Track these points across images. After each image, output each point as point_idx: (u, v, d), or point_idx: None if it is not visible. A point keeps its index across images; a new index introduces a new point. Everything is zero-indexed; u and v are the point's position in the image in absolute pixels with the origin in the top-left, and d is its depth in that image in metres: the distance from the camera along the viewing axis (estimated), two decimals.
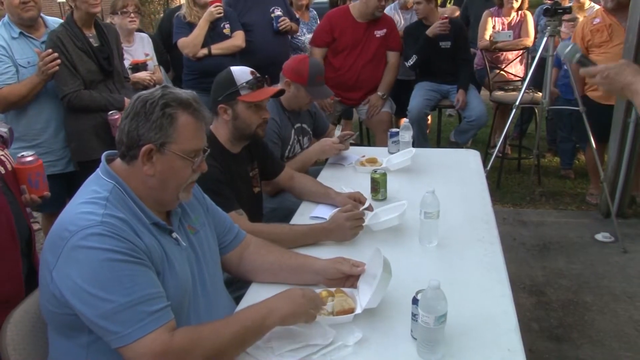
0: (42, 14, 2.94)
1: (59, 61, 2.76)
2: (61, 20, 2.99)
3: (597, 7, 4.63)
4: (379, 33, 4.20)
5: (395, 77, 4.40)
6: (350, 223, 1.97)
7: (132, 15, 3.66)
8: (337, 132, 3.01)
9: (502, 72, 4.93)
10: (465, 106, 4.39)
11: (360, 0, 4.17)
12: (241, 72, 2.16)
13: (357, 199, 2.26)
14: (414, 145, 3.01)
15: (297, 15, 4.52)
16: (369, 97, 4.28)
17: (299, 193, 2.48)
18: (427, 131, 5.03)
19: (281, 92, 2.39)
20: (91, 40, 2.91)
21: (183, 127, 1.40)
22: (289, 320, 1.41)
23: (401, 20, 4.85)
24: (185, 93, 1.44)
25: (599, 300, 3.04)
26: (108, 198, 1.35)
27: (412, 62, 4.42)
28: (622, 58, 3.68)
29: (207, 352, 1.29)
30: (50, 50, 2.75)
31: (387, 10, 4.90)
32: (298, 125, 2.94)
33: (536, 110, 4.64)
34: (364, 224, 2.08)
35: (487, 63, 4.86)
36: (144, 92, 1.43)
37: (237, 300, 1.68)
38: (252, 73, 2.17)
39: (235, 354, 1.36)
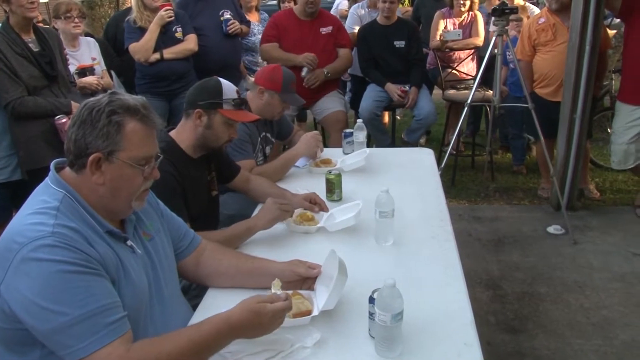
0: None
1: None
2: None
3: (536, 9, 4.79)
4: (324, 30, 4.25)
5: (345, 67, 4.44)
6: (278, 206, 2.02)
7: (76, 20, 3.57)
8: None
9: (454, 71, 5.02)
10: (415, 105, 4.48)
11: None
12: (229, 88, 2.19)
13: (313, 200, 2.27)
14: (372, 144, 3.03)
15: (247, 17, 4.51)
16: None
17: (254, 195, 2.47)
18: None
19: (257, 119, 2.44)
20: (31, 45, 2.82)
21: (131, 135, 1.36)
22: (253, 337, 1.39)
23: (367, 19, 4.90)
24: (133, 99, 1.40)
25: (552, 291, 3.13)
26: (59, 208, 1.30)
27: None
28: (565, 56, 3.81)
29: None
30: None
31: (354, 8, 4.96)
32: (263, 134, 2.96)
33: (487, 108, 4.74)
34: (320, 225, 2.11)
35: (439, 62, 4.94)
36: (91, 99, 1.39)
37: (195, 307, 1.65)
38: (237, 92, 2.21)
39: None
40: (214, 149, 2.24)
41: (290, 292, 1.60)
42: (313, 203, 2.27)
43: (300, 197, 2.31)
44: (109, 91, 1.43)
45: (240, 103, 2.20)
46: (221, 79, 2.21)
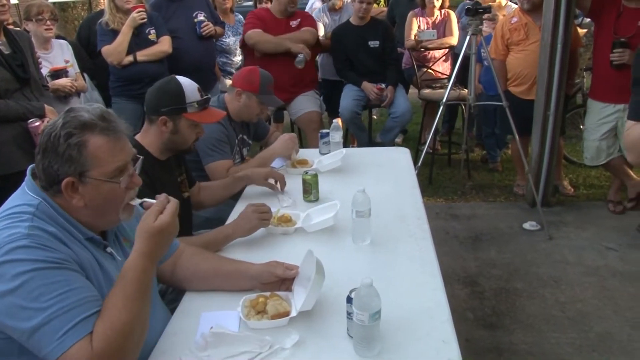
0: None
1: None
2: None
3: (514, 5, 4.85)
4: (294, 23, 4.29)
5: (310, 36, 4.35)
6: (257, 215, 2.01)
7: (48, 22, 3.51)
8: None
9: (429, 70, 5.06)
10: (391, 104, 4.52)
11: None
12: (191, 89, 2.13)
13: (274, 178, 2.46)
14: (348, 144, 3.05)
15: (222, 19, 4.50)
16: None
17: (208, 203, 2.55)
18: None
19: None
20: (1, 47, 2.76)
21: (96, 151, 1.32)
22: (169, 244, 1.40)
23: (329, 22, 4.92)
24: (89, 113, 1.34)
25: (528, 287, 3.18)
26: (34, 213, 1.29)
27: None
28: (538, 55, 3.87)
29: (121, 331, 1.22)
30: None
31: (315, 13, 4.98)
32: (240, 136, 2.96)
33: (463, 107, 4.79)
34: (298, 226, 2.11)
35: (414, 62, 4.98)
36: (49, 123, 1.36)
37: (172, 311, 1.64)
38: (199, 90, 2.16)
39: (144, 310, 1.31)
40: (182, 151, 2.23)
41: (268, 293, 1.60)
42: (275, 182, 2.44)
43: (262, 175, 2.46)
44: (64, 110, 1.38)
45: (204, 102, 2.16)
46: (181, 79, 2.14)
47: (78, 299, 1.22)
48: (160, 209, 1.35)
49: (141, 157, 1.47)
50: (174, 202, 1.37)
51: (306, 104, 4.34)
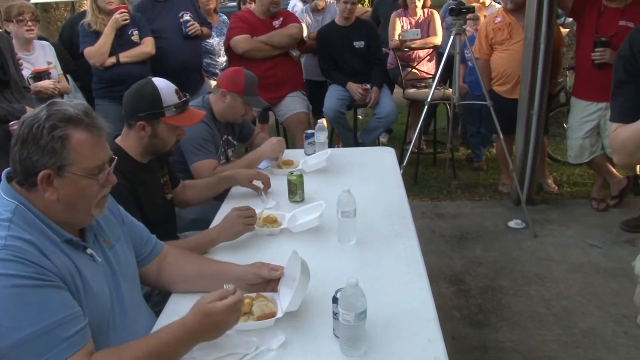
0: None
1: None
2: None
3: (497, 5, 4.89)
4: (276, 23, 4.29)
5: (296, 29, 4.38)
6: (242, 220, 1.99)
7: (29, 23, 3.47)
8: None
9: (414, 70, 5.08)
10: (377, 104, 4.54)
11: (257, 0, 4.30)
12: (168, 92, 2.08)
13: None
14: (333, 144, 3.04)
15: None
16: None
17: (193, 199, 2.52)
18: None
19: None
20: None
21: (78, 146, 1.30)
22: (214, 337, 1.37)
23: (312, 23, 4.92)
24: (73, 107, 1.33)
25: (514, 284, 3.20)
26: (11, 219, 1.26)
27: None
28: (521, 54, 3.91)
29: None
30: None
31: (297, 14, 4.99)
32: (225, 137, 2.95)
33: (447, 106, 4.82)
34: (283, 227, 2.10)
35: (399, 62, 4.99)
36: (29, 114, 1.32)
37: (158, 313, 1.63)
38: (176, 92, 2.11)
39: None
40: (163, 154, 2.21)
41: (253, 294, 1.60)
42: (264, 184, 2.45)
43: (248, 177, 2.46)
44: (47, 102, 1.35)
45: (182, 105, 2.12)
46: (157, 82, 2.10)
47: (55, 320, 1.19)
48: (222, 296, 1.33)
49: (115, 157, 1.45)
50: (235, 298, 1.34)
51: (294, 105, 4.34)
